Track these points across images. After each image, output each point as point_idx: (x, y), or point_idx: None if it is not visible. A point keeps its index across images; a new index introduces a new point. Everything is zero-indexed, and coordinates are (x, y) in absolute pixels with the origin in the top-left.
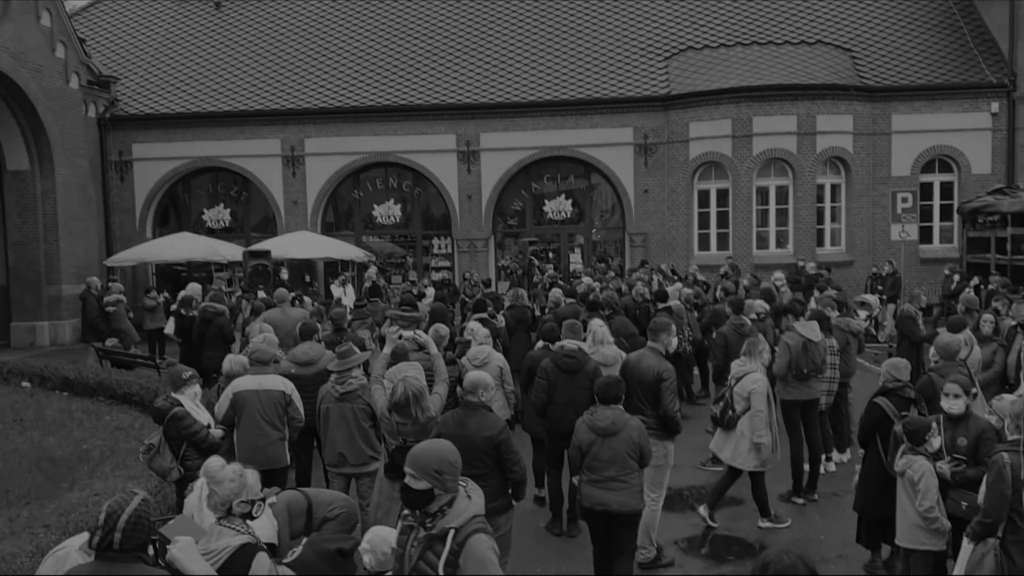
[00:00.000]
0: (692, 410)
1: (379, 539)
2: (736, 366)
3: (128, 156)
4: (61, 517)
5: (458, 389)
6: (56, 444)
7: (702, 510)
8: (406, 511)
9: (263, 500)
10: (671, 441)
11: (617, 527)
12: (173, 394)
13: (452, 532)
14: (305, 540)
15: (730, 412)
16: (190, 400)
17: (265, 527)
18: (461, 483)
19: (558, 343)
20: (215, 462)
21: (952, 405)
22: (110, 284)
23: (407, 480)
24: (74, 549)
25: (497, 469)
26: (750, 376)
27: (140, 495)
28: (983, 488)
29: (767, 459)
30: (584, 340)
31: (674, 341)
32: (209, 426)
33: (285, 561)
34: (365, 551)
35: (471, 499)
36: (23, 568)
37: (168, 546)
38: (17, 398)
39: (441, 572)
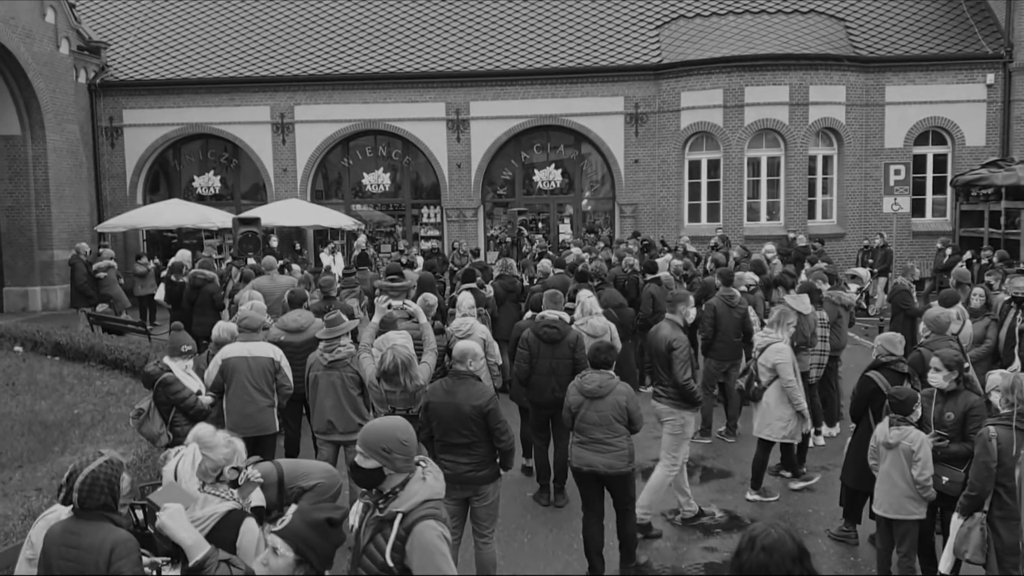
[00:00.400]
0: None
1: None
2: (760, 337)
3: (119, 122)
4: (53, 480)
5: (446, 359)
6: (48, 408)
7: (749, 495)
8: (363, 489)
9: (247, 469)
10: (690, 412)
11: (610, 488)
12: (165, 359)
13: (400, 517)
14: (294, 508)
15: (755, 384)
16: (180, 369)
17: (256, 491)
18: (421, 463)
19: (539, 313)
20: (206, 428)
21: (933, 379)
22: (101, 250)
23: (356, 458)
24: (64, 512)
25: (485, 438)
26: (774, 347)
27: (104, 456)
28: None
29: (794, 431)
30: (567, 311)
31: (692, 312)
32: (199, 393)
33: (274, 530)
34: (355, 513)
35: (426, 481)
36: (15, 531)
37: (157, 513)
38: (10, 362)
39: (388, 558)
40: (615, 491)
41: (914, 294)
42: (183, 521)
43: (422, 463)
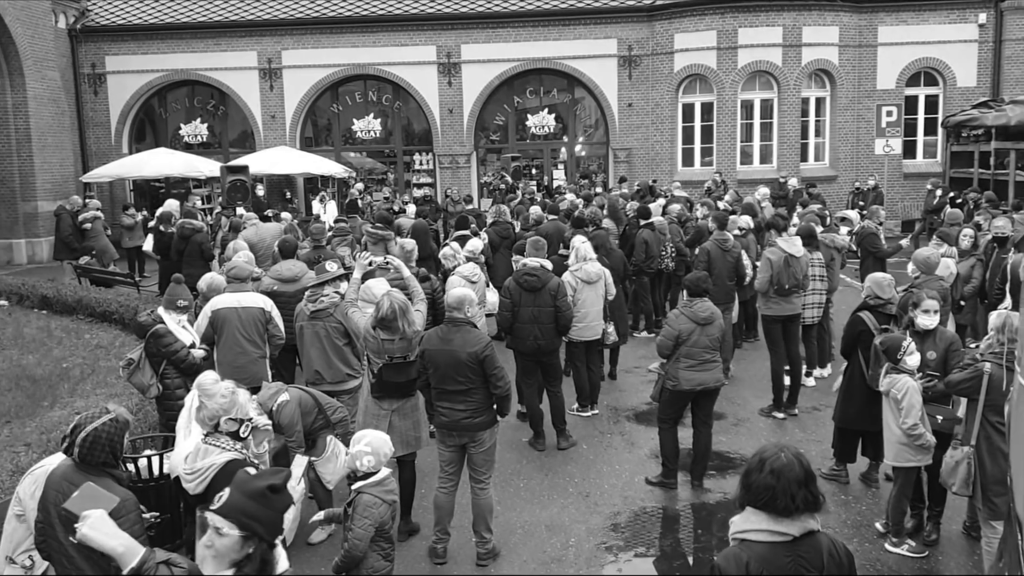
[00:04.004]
0: None
1: (380, 441)
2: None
3: (101, 69)
4: (42, 435)
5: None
6: (36, 363)
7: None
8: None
9: (250, 421)
10: None
11: (704, 402)
12: (159, 311)
13: None
14: (232, 481)
15: None
16: (174, 322)
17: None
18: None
19: (521, 260)
20: (209, 376)
21: (931, 321)
22: (87, 201)
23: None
24: (53, 467)
25: (481, 384)
26: None
27: (110, 415)
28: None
29: None
30: (562, 256)
31: None
32: (193, 345)
33: (212, 509)
34: (365, 454)
35: None
36: (3, 486)
37: (76, 525)
38: None
39: None
40: (708, 404)
41: (882, 237)
42: (109, 528)
43: None
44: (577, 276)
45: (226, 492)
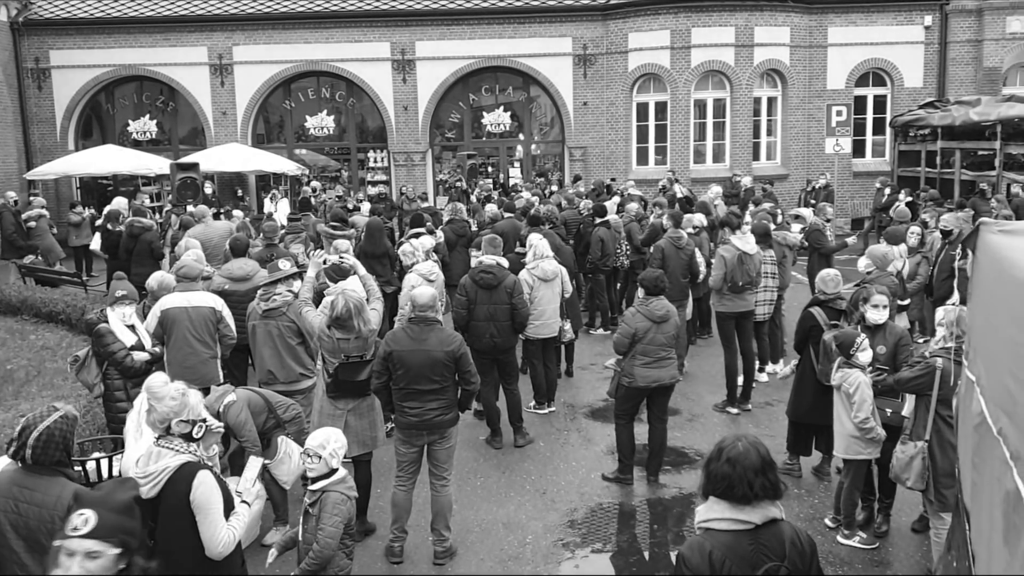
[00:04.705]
0: None
1: (342, 436)
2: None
3: (45, 63)
4: None
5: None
6: None
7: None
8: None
9: (204, 422)
10: None
11: (659, 398)
12: (107, 309)
13: None
14: (85, 501)
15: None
16: (118, 318)
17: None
18: None
19: (476, 258)
20: (159, 378)
21: (880, 316)
22: (31, 199)
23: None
24: (5, 463)
25: (453, 382)
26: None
27: (59, 412)
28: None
29: None
30: (518, 254)
31: None
32: (136, 347)
33: (80, 534)
34: (339, 450)
35: None
36: None
37: None
38: None
39: None
40: (663, 400)
41: (827, 233)
42: None
43: None
44: (534, 274)
45: (88, 515)
